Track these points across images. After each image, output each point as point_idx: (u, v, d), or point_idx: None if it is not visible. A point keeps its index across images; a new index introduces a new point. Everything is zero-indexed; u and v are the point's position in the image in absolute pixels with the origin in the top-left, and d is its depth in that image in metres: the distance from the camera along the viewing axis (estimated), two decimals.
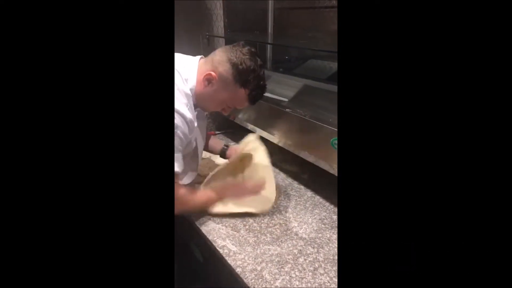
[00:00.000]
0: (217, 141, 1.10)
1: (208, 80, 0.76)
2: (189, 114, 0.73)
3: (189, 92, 0.75)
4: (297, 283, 0.66)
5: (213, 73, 0.75)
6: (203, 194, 0.88)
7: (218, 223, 0.84)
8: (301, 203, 0.94)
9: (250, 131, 1.17)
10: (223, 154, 1.06)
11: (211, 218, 0.86)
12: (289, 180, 1.06)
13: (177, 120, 0.70)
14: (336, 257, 0.73)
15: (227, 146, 1.07)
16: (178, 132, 0.71)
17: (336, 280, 0.67)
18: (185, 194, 0.80)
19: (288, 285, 0.66)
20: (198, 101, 0.80)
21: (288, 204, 0.94)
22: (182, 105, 0.72)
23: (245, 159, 0.98)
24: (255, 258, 0.73)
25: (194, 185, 0.94)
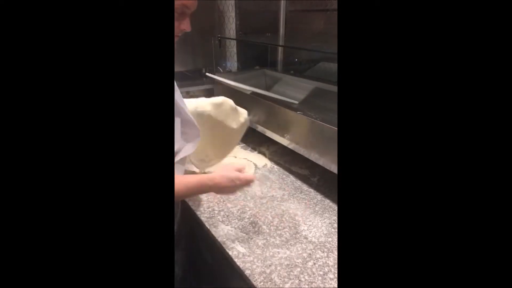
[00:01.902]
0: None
1: None
2: None
3: None
4: (307, 287, 0.66)
5: None
6: (194, 176, 0.74)
7: (227, 225, 0.84)
8: (310, 206, 0.94)
9: (259, 133, 1.17)
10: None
11: (221, 220, 0.86)
12: (298, 183, 1.06)
13: None
14: None
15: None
16: None
17: None
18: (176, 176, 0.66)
19: None
20: None
21: (297, 207, 0.93)
22: None
23: None
24: (264, 261, 0.72)
25: None
